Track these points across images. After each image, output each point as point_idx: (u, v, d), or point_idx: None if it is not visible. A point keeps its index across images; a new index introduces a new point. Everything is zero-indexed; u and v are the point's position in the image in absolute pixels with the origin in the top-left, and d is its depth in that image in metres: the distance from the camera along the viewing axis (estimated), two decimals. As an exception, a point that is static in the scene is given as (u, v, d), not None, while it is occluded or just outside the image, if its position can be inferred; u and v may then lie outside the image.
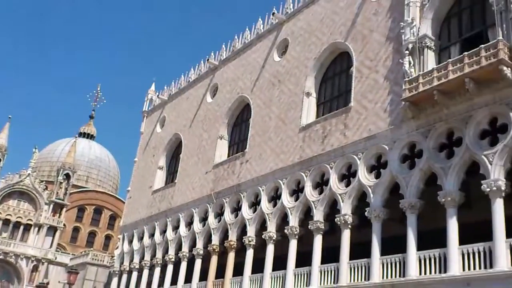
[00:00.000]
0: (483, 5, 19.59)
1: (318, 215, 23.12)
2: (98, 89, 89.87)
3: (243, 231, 27.66)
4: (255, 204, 27.54)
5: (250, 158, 28.96)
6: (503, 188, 16.81)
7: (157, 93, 43.07)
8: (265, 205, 26.48)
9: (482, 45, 17.72)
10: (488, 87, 17.76)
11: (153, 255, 34.79)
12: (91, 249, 62.27)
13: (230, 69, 34.42)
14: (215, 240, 29.36)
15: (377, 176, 21.26)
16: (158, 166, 38.42)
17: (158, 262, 33.88)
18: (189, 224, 32.18)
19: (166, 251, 33.56)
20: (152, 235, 35.66)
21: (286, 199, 25.21)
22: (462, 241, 17.56)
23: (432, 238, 18.46)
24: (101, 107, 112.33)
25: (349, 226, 21.70)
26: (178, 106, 39.09)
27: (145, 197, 38.39)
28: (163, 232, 34.47)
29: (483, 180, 17.19)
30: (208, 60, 36.51)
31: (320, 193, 23.57)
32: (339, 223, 21.91)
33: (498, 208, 16.76)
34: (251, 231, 26.92)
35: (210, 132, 33.67)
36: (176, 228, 33.34)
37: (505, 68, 16.95)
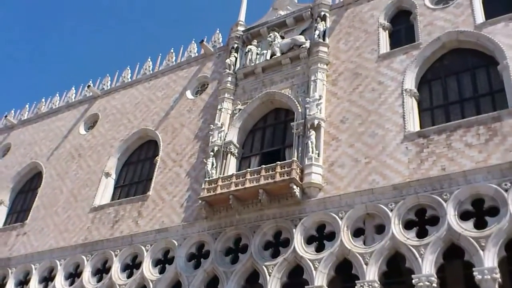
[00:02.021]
0: (285, 126, 21.04)
1: (91, 304, 20.97)
2: None
3: (0, 313, 23.77)
4: (23, 283, 24.17)
5: (29, 231, 25.79)
6: (277, 300, 16.97)
7: None
8: (34, 285, 23.29)
9: (279, 162, 18.68)
10: (278, 202, 18.49)
11: None
12: None
13: (28, 131, 31.39)
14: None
15: (162, 271, 20.20)
16: None
17: None
18: None
19: None
20: None
21: (60, 283, 22.52)
22: None
23: None
24: None
25: (121, 321, 19.95)
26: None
27: None
28: None
29: (260, 290, 17.24)
30: (6, 117, 32.95)
31: (99, 280, 21.58)
32: (111, 316, 20.03)
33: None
34: (10, 314, 23.26)
35: (-12, 195, 29.48)
36: None
37: (295, 186, 17.91)
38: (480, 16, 18.60)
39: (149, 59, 29.06)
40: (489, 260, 13.69)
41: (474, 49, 18.31)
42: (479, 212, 14.75)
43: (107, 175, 25.21)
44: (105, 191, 24.76)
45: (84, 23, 67.10)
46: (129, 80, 29.04)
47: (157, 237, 20.98)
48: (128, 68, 29.69)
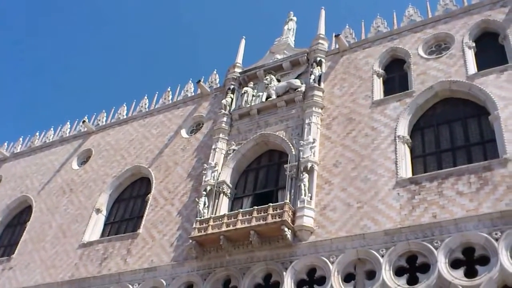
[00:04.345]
0: (279, 168, 21.17)
1: None
2: None
3: None
4: (5, 320, 23.69)
5: (15, 266, 25.44)
6: None
7: None
8: (16, 322, 22.85)
9: (271, 204, 18.75)
10: (269, 243, 18.44)
11: None
12: None
13: (20, 164, 31.38)
14: None
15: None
16: None
17: None
18: None
19: None
20: None
21: (43, 320, 22.11)
22: None
23: None
24: None
25: None
26: None
27: None
28: None
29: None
30: (-2, 149, 33.00)
31: (83, 319, 21.23)
32: None
33: None
34: None
35: (-25, 228, 29.17)
36: None
37: (286, 229, 17.91)
38: (472, 67, 19.17)
39: (145, 97, 29.49)
40: (479, 309, 13.69)
41: (466, 99, 18.77)
42: (470, 260, 14.79)
43: (98, 211, 25.09)
44: (94, 228, 24.58)
45: (82, 59, 68.01)
46: (125, 116, 29.34)
47: (146, 276, 20.75)
48: (124, 105, 30.10)
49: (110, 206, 25.53)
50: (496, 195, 15.43)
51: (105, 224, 24.99)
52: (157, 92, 29.12)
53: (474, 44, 20.09)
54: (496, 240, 14.53)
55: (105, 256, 22.69)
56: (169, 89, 28.80)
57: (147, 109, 28.73)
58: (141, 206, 24.32)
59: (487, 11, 20.53)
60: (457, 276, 14.57)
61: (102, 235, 24.41)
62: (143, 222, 22.93)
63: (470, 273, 14.54)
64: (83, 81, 68.02)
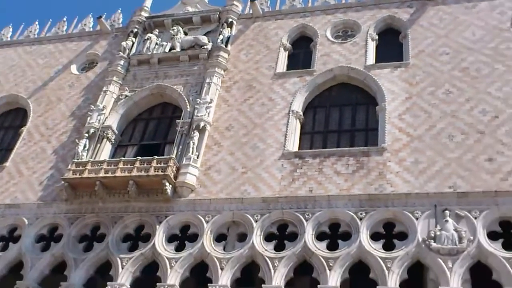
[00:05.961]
0: (170, 122, 22.13)
1: None
2: None
3: None
4: None
5: None
6: (120, 295, 17.70)
7: None
8: None
9: (156, 157, 19.76)
10: (147, 196, 19.39)
11: None
12: None
13: None
14: None
15: (4, 248, 20.05)
16: None
17: None
18: None
19: None
20: None
21: None
22: None
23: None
24: None
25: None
26: None
27: None
28: None
29: (109, 282, 17.93)
30: None
31: None
32: None
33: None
34: None
35: None
36: None
37: (167, 183, 18.99)
38: (371, 58, 21.50)
39: (36, 22, 28.84)
40: (333, 279, 15.92)
41: (360, 87, 21.06)
42: (334, 235, 17.02)
43: (-40, 138, 24.42)
44: (-47, 154, 23.92)
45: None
46: (9, 39, 28.57)
47: (6, 212, 20.85)
48: (10, 26, 29.25)
49: (-24, 134, 24.95)
50: (368, 179, 17.77)
51: (-34, 154, 24.37)
52: (51, 20, 28.65)
53: (377, 37, 22.42)
54: (360, 219, 16.85)
55: (-39, 186, 22.23)
56: (65, 19, 28.44)
57: (36, 36, 28.11)
58: (12, 138, 24.14)
59: (395, 8, 22.92)
60: (320, 247, 16.70)
61: (-38, 163, 23.82)
62: (11, 156, 22.86)
63: (332, 246, 16.73)
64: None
